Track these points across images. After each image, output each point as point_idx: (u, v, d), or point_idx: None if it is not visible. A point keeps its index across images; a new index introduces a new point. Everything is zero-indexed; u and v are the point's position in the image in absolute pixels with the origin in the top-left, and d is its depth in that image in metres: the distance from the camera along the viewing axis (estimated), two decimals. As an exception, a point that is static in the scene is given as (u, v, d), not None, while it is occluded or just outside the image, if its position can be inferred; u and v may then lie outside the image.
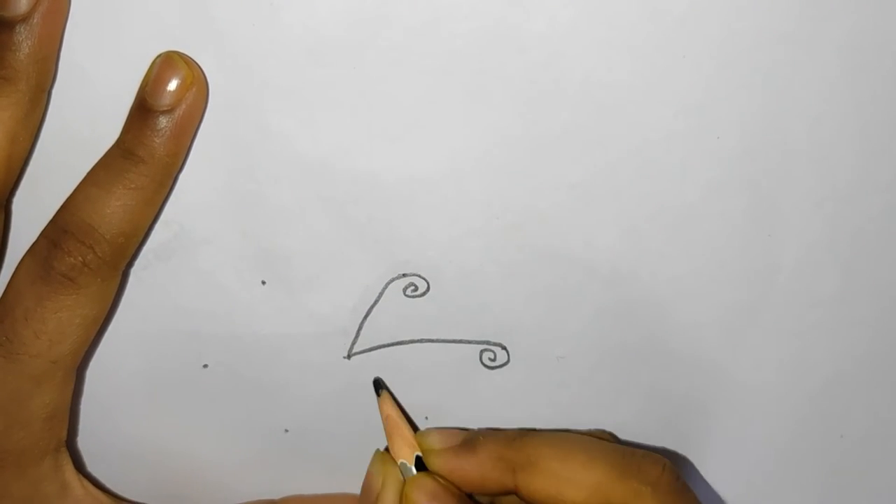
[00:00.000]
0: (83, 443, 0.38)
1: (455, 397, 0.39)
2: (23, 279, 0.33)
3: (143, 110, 0.32)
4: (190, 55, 0.33)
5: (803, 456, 0.40)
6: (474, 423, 0.39)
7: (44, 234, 0.33)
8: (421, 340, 0.38)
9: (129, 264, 0.35)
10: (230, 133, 0.34)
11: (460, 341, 0.38)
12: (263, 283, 0.36)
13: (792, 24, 0.33)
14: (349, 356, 0.38)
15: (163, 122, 0.32)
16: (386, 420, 0.37)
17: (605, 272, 0.37)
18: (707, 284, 0.37)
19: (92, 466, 0.39)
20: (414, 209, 0.36)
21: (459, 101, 0.34)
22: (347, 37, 0.33)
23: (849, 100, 0.35)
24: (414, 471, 0.36)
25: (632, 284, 0.37)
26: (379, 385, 0.38)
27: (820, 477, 0.41)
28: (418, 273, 0.37)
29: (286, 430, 0.39)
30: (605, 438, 0.37)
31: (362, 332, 0.37)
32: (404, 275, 0.37)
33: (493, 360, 0.38)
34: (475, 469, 0.35)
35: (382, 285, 0.37)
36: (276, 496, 0.40)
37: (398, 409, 0.38)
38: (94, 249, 0.32)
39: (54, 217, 0.33)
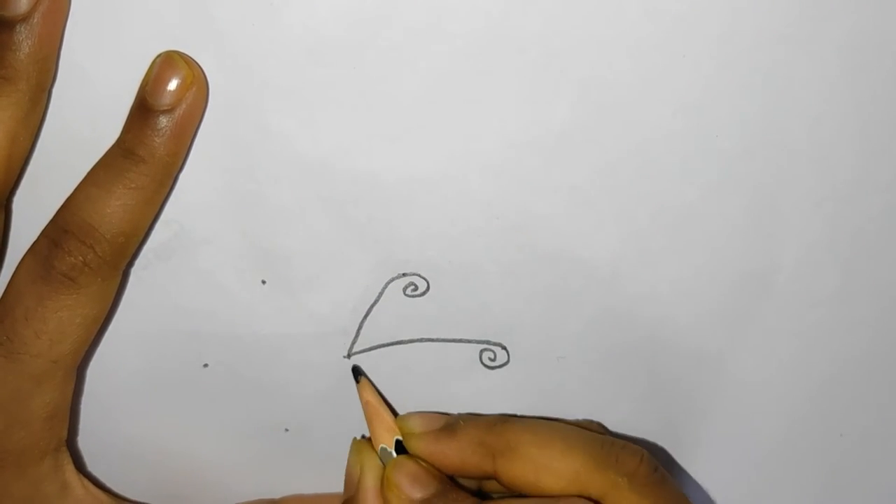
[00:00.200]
0: (83, 443, 0.38)
1: (455, 397, 0.39)
2: (23, 279, 0.33)
3: (143, 110, 0.32)
4: (190, 55, 0.33)
5: (803, 455, 0.40)
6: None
7: (44, 233, 0.33)
8: (421, 340, 0.38)
9: (130, 264, 0.35)
10: (230, 133, 0.34)
11: (460, 341, 0.38)
12: (263, 282, 0.36)
13: (792, 24, 0.33)
14: (349, 356, 0.38)
15: (163, 121, 0.32)
16: (366, 406, 0.37)
17: (605, 272, 0.37)
18: (707, 284, 0.37)
19: (92, 466, 0.39)
20: (414, 209, 0.36)
21: (459, 101, 0.34)
22: (347, 37, 0.33)
23: (849, 99, 0.35)
24: (395, 455, 0.36)
25: (632, 284, 0.37)
26: (357, 372, 0.38)
27: (820, 476, 0.41)
28: (418, 273, 0.37)
29: (286, 430, 0.39)
30: (593, 429, 0.37)
31: (362, 331, 0.38)
32: (404, 274, 0.37)
33: (493, 359, 0.38)
34: (455, 453, 0.35)
35: (382, 285, 0.37)
36: (276, 496, 0.40)
37: (378, 394, 0.38)
38: (94, 249, 0.32)
39: (55, 217, 0.33)
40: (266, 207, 0.35)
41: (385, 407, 0.37)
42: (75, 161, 0.33)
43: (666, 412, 0.39)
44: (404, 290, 0.37)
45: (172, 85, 0.32)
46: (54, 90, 0.33)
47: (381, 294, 0.37)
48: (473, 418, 0.36)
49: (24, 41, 0.31)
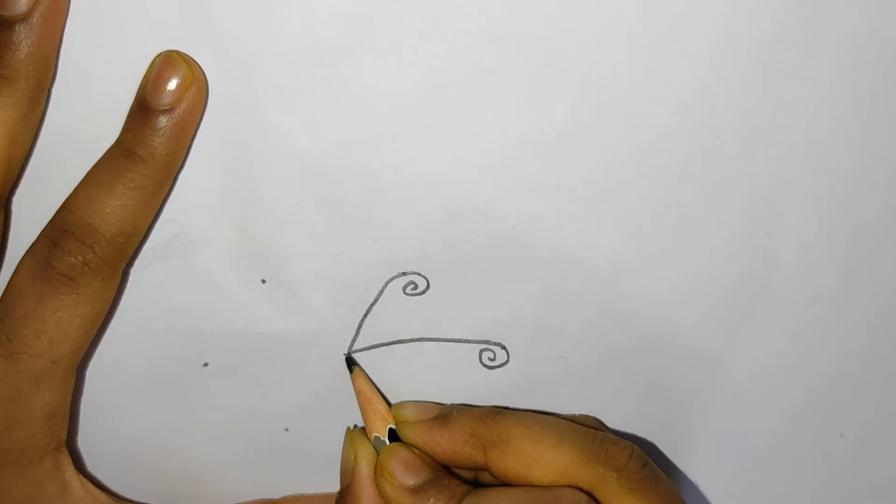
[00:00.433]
0: (83, 443, 0.38)
1: (454, 397, 0.39)
2: (23, 279, 0.33)
3: (143, 109, 0.32)
4: (190, 55, 0.33)
5: (802, 455, 0.40)
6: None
7: (44, 233, 0.33)
8: (420, 339, 0.38)
9: (129, 264, 0.35)
10: (230, 133, 0.34)
11: (460, 340, 0.38)
12: (263, 281, 0.36)
13: (790, 23, 0.33)
14: (349, 354, 0.38)
15: (163, 121, 0.32)
16: (359, 395, 0.37)
17: (605, 272, 0.37)
18: (706, 283, 0.37)
19: (92, 466, 0.39)
20: (414, 208, 0.36)
21: (459, 100, 0.34)
22: (347, 37, 0.33)
23: (847, 98, 0.35)
24: (388, 443, 0.36)
25: (631, 284, 0.37)
26: (351, 362, 0.38)
27: (819, 475, 0.41)
28: (418, 272, 0.37)
29: (286, 430, 0.39)
30: (589, 424, 0.37)
31: (362, 330, 0.38)
32: (404, 273, 0.37)
33: (493, 359, 0.38)
34: (447, 444, 0.35)
35: (382, 284, 0.37)
36: (276, 496, 0.40)
37: (371, 384, 0.38)
38: (94, 249, 0.32)
39: (54, 217, 0.33)
40: (266, 207, 0.35)
41: (378, 396, 0.37)
42: (75, 161, 0.33)
43: (665, 411, 0.39)
44: (404, 289, 0.37)
45: (172, 85, 0.32)
46: (54, 90, 0.33)
47: (380, 293, 0.37)
48: (466, 409, 0.36)
49: (24, 41, 0.31)
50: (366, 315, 0.37)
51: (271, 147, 0.34)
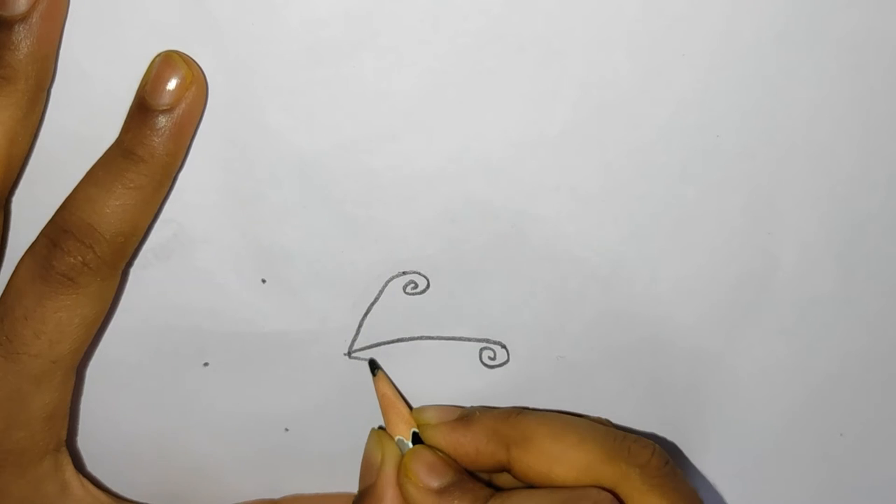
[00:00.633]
0: (83, 443, 0.38)
1: (454, 395, 0.39)
2: (23, 279, 0.33)
3: (142, 110, 0.32)
4: (190, 55, 0.33)
5: (802, 454, 0.40)
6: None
7: (43, 233, 0.33)
8: (421, 338, 0.38)
9: (129, 264, 0.35)
10: (230, 132, 0.34)
11: (460, 339, 0.38)
12: (263, 281, 0.36)
13: (790, 24, 0.33)
14: (349, 354, 0.38)
15: (162, 121, 0.32)
16: (382, 398, 0.38)
17: (605, 271, 0.37)
18: (706, 283, 0.37)
19: (92, 466, 0.39)
20: (414, 207, 0.36)
21: (459, 100, 0.34)
22: (347, 36, 0.33)
23: (847, 98, 0.35)
24: (410, 445, 0.36)
25: (631, 283, 0.37)
26: (375, 365, 0.38)
27: (819, 475, 0.41)
28: (418, 271, 0.37)
29: (286, 430, 0.39)
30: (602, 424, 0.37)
31: (362, 329, 0.38)
32: (404, 273, 0.37)
33: (493, 358, 0.38)
34: (470, 443, 0.35)
35: (382, 283, 0.37)
36: (276, 496, 0.40)
37: (394, 387, 0.38)
38: (93, 249, 0.32)
39: (54, 217, 0.33)
40: (266, 206, 0.35)
41: (401, 399, 0.38)
42: (74, 161, 0.33)
43: (664, 412, 0.39)
44: (404, 288, 0.37)
45: (172, 84, 0.32)
46: (53, 90, 0.33)
47: (381, 292, 0.37)
48: (488, 409, 0.37)
49: (23, 41, 0.31)
50: (366, 314, 0.37)
51: (271, 147, 0.34)
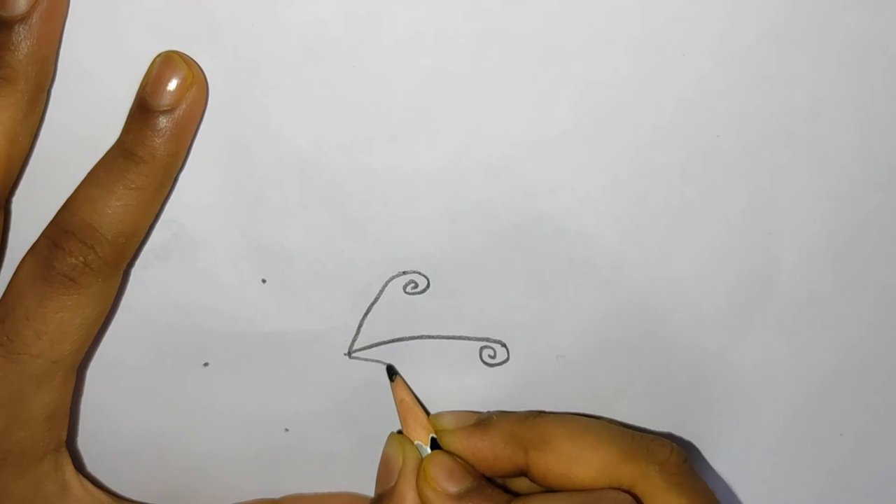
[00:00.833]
0: (83, 443, 0.38)
1: (455, 394, 0.39)
2: (24, 279, 0.33)
3: (143, 110, 0.32)
4: (190, 55, 0.33)
5: (802, 454, 0.40)
6: (473, 421, 0.39)
7: (45, 234, 0.33)
8: (421, 337, 0.38)
9: (130, 264, 0.35)
10: (230, 132, 0.34)
11: (460, 338, 0.38)
12: (264, 281, 0.36)
13: (791, 23, 0.33)
14: (350, 354, 0.38)
15: (163, 122, 0.32)
16: (400, 404, 0.38)
17: (605, 271, 0.37)
18: (707, 283, 0.37)
19: (92, 466, 0.39)
20: (414, 207, 0.36)
21: (459, 100, 0.34)
22: (347, 36, 0.33)
23: (848, 98, 0.35)
24: (429, 451, 0.36)
25: (632, 283, 0.37)
26: (392, 371, 0.38)
27: (819, 475, 0.41)
28: (419, 270, 0.37)
29: (286, 430, 0.39)
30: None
31: (363, 329, 0.38)
32: (404, 272, 0.37)
33: (493, 357, 0.38)
34: (488, 447, 0.36)
35: (383, 283, 0.37)
36: (276, 495, 0.40)
37: (412, 393, 0.38)
38: (95, 249, 0.32)
39: (55, 217, 0.33)
40: (266, 206, 0.35)
41: (419, 405, 0.38)
42: (75, 161, 0.33)
43: (664, 411, 0.39)
44: (405, 287, 0.37)
45: (172, 85, 0.32)
46: (54, 90, 0.33)
47: (381, 292, 0.37)
48: (505, 414, 0.37)
49: (23, 41, 0.31)
50: (366, 314, 0.37)
51: (271, 147, 0.34)
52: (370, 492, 0.39)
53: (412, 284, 0.37)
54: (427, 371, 0.38)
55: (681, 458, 0.34)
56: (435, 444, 0.37)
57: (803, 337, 0.38)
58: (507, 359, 0.38)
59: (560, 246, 0.36)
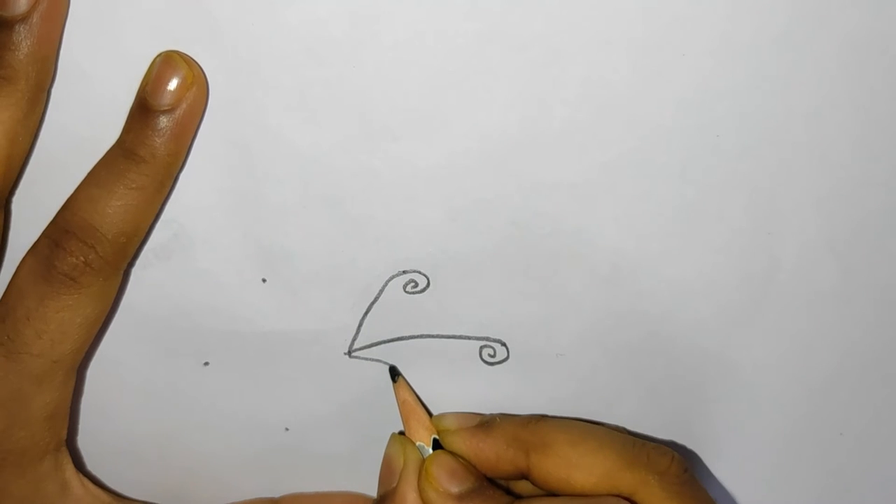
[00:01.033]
0: (83, 443, 0.39)
1: (454, 393, 0.39)
2: (24, 279, 0.33)
3: (143, 110, 0.32)
4: (190, 55, 0.33)
5: (802, 454, 0.40)
6: (474, 420, 0.39)
7: (45, 233, 0.33)
8: (421, 336, 0.38)
9: (130, 264, 0.35)
10: (230, 132, 0.34)
11: (460, 337, 0.38)
12: (264, 280, 0.36)
13: (791, 23, 0.33)
14: (350, 353, 0.38)
15: (163, 121, 0.32)
16: (403, 405, 0.38)
17: (605, 270, 0.37)
18: (707, 282, 0.37)
19: (92, 466, 0.39)
20: (414, 207, 0.36)
21: (459, 99, 0.34)
22: (347, 36, 0.33)
23: (848, 98, 0.35)
24: (431, 451, 0.36)
25: (631, 283, 0.37)
26: (395, 372, 0.38)
27: (819, 475, 0.41)
28: (418, 270, 0.37)
29: (286, 429, 0.39)
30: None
31: (363, 328, 0.38)
32: (404, 272, 0.37)
33: (493, 356, 0.38)
34: (490, 448, 0.36)
35: (383, 282, 0.37)
36: (275, 494, 0.40)
37: (414, 394, 0.38)
38: (95, 249, 0.32)
39: (56, 217, 0.33)
40: (266, 206, 0.35)
41: (421, 406, 0.38)
42: (75, 161, 0.33)
43: (664, 411, 0.39)
44: (404, 287, 0.37)
45: (172, 85, 0.32)
46: (54, 90, 0.33)
47: (381, 291, 0.37)
48: (508, 416, 0.37)
49: (24, 41, 0.31)
50: (366, 313, 0.37)
51: (272, 146, 0.34)
52: (370, 491, 0.39)
53: (412, 284, 0.37)
54: (427, 370, 0.38)
55: (681, 467, 0.34)
56: (437, 445, 0.37)
57: (803, 337, 0.38)
58: (507, 358, 0.38)
59: (560, 245, 0.36)
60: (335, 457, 0.39)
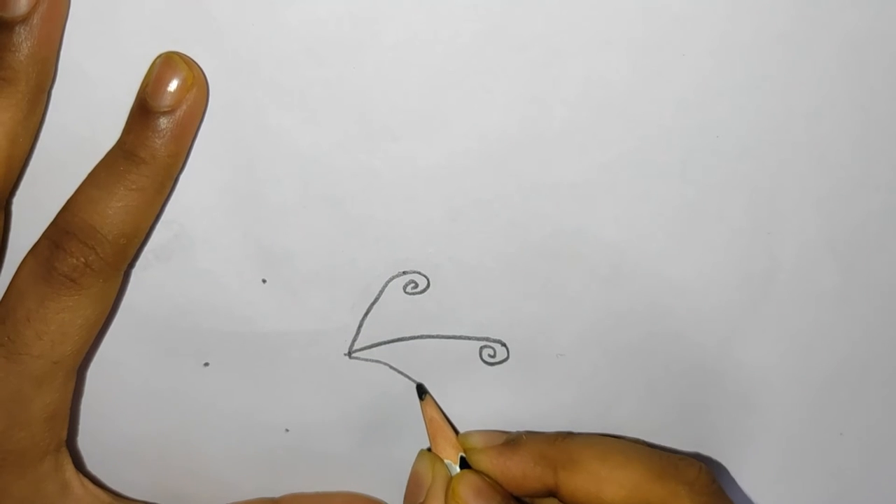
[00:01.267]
0: (83, 443, 0.39)
1: (455, 393, 0.39)
2: (25, 280, 0.33)
3: (143, 111, 0.32)
4: (190, 55, 0.33)
5: (802, 454, 0.40)
6: (474, 420, 0.39)
7: (45, 234, 0.33)
8: (421, 336, 0.38)
9: (130, 265, 0.35)
10: (230, 133, 0.34)
11: (460, 338, 0.38)
12: (264, 281, 0.36)
13: (791, 23, 0.33)
14: (350, 354, 0.38)
15: (164, 122, 0.32)
16: (430, 422, 0.38)
17: (605, 271, 0.37)
18: (707, 283, 0.37)
19: (92, 466, 0.39)
20: (414, 207, 0.36)
21: (459, 99, 0.34)
22: (347, 36, 0.33)
23: (847, 98, 0.35)
24: (458, 469, 0.36)
25: (631, 283, 0.37)
26: (422, 390, 0.38)
27: (819, 475, 0.41)
28: (419, 270, 0.37)
29: (286, 430, 0.39)
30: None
31: (363, 329, 0.38)
32: (405, 272, 0.37)
33: (493, 356, 0.38)
34: (518, 466, 0.36)
35: (383, 283, 0.37)
36: (275, 494, 0.40)
37: (441, 411, 0.38)
38: (95, 250, 0.32)
39: (56, 218, 0.33)
40: (266, 206, 0.35)
41: (448, 424, 0.38)
42: (75, 162, 0.33)
43: (664, 411, 0.39)
44: (405, 287, 0.37)
45: (173, 86, 0.32)
46: (54, 91, 0.33)
47: (381, 292, 0.37)
48: (534, 434, 0.37)
49: (24, 42, 0.31)
50: (366, 314, 0.37)
51: (272, 147, 0.34)
52: (370, 491, 0.39)
53: (412, 284, 0.37)
54: (427, 370, 0.38)
55: (710, 477, 0.34)
56: (464, 464, 0.37)
57: (803, 337, 0.38)
58: (507, 358, 0.38)
59: (560, 245, 0.36)
60: (335, 457, 0.39)
